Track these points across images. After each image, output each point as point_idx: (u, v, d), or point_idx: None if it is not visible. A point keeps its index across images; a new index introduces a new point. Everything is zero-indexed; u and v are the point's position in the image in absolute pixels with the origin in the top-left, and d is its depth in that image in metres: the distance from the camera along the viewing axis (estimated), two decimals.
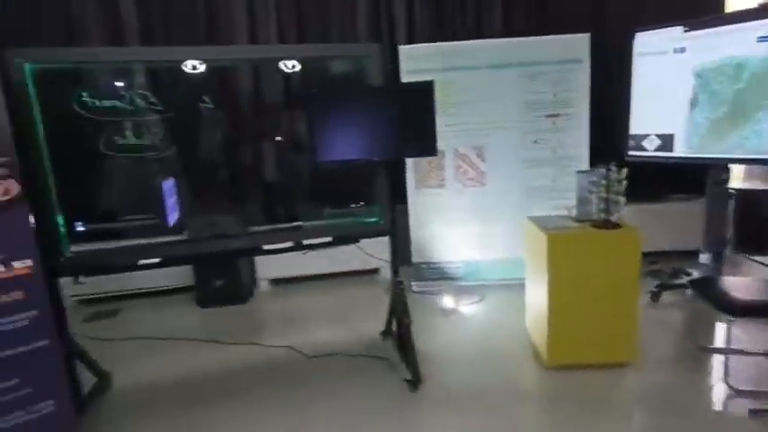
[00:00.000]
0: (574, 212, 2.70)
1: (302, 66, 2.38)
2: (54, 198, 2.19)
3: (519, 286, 3.11)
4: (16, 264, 1.82)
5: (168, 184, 3.48)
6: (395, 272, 2.65)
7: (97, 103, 2.20)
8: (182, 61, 2.27)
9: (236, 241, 2.46)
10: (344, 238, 2.57)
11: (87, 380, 2.61)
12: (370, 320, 3.30)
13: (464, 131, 3.81)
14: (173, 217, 3.62)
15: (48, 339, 1.89)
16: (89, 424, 2.34)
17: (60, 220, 2.22)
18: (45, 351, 1.88)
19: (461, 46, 3.78)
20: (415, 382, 2.44)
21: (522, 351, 2.85)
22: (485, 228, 3.90)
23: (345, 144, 2.30)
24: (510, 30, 4.40)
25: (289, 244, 2.49)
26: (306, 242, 2.49)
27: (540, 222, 2.69)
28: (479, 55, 3.73)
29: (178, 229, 3.86)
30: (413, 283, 3.99)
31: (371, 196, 2.57)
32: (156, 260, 2.43)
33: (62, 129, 2.19)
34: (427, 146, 2.28)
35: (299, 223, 2.50)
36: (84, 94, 2.18)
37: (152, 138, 2.40)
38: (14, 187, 1.83)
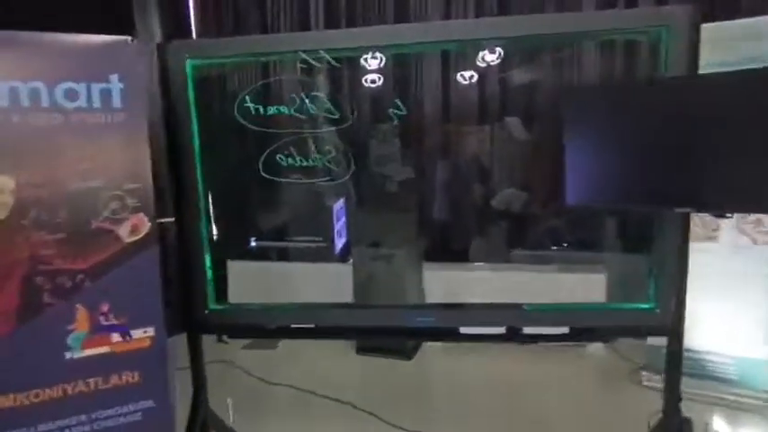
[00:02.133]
0: None
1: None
2: (204, 232, 1.69)
3: None
4: (135, 332, 1.30)
5: (338, 207, 3.02)
6: (673, 401, 1.55)
7: (261, 109, 1.63)
8: (370, 53, 1.59)
9: (422, 316, 1.66)
10: (590, 331, 1.57)
11: None
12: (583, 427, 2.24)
13: None
14: (339, 243, 3.13)
15: None
16: None
17: (208, 261, 1.71)
18: None
19: None
20: None
21: None
22: None
23: (629, 181, 1.32)
24: None
25: (500, 330, 1.59)
26: (528, 331, 1.56)
27: None
28: None
29: (344, 257, 3.39)
30: (643, 374, 2.78)
31: (639, 257, 1.54)
32: (312, 325, 1.75)
33: (217, 144, 1.68)
34: None
35: (521, 301, 1.56)
36: (247, 98, 1.63)
37: (323, 157, 1.75)
38: (144, 224, 1.32)
